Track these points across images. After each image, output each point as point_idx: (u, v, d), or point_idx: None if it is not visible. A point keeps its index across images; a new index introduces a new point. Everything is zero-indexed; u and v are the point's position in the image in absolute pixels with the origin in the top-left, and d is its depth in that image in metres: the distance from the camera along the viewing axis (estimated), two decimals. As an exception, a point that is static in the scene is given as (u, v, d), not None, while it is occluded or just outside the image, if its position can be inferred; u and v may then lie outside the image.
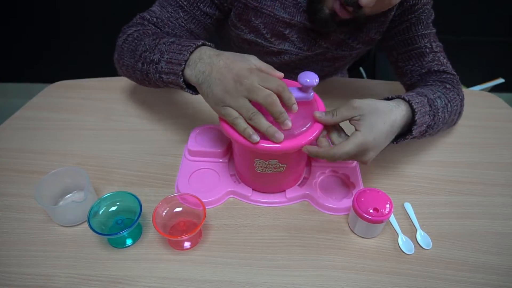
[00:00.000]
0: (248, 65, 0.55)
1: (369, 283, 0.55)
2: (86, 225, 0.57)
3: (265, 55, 0.84)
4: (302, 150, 0.56)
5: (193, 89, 0.61)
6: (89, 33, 1.81)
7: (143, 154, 0.75)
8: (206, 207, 0.59)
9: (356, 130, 0.56)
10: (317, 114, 0.57)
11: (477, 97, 0.96)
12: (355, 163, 0.70)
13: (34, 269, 0.56)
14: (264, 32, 0.78)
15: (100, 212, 0.60)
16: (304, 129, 0.56)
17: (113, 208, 0.61)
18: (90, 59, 1.82)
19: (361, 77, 1.37)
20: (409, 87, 0.82)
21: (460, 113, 0.76)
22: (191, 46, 0.59)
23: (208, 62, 0.56)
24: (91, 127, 0.82)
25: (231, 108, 0.55)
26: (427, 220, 0.64)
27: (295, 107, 0.55)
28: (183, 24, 0.75)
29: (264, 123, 0.53)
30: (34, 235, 0.61)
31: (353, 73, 1.29)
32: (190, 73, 0.58)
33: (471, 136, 0.83)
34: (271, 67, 0.58)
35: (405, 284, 0.55)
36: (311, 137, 0.56)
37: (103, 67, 1.18)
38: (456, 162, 0.76)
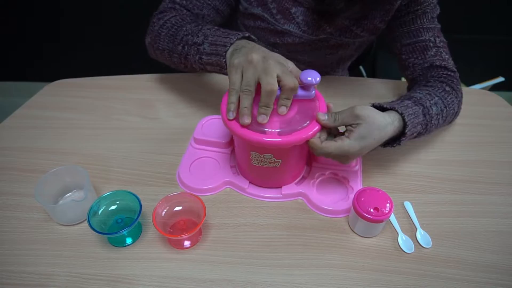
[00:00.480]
0: (282, 60, 0.57)
1: (368, 282, 0.55)
2: (86, 224, 0.57)
3: (269, 34, 0.86)
4: (298, 148, 0.57)
5: None
6: (90, 32, 1.81)
7: (143, 153, 0.75)
8: (203, 194, 0.59)
9: (346, 136, 0.57)
10: (320, 116, 0.58)
11: (477, 96, 0.96)
12: (357, 166, 0.70)
13: (34, 268, 0.56)
14: (271, 7, 0.81)
15: (100, 211, 0.60)
16: (305, 125, 0.57)
17: (113, 207, 0.61)
18: (91, 58, 1.82)
19: (361, 76, 1.37)
20: (411, 81, 0.84)
21: (457, 113, 0.77)
22: (239, 34, 0.63)
23: (251, 44, 0.60)
24: (91, 126, 0.81)
25: (240, 77, 0.55)
26: (427, 219, 0.64)
27: (283, 109, 0.56)
28: (209, 2, 0.79)
29: (245, 103, 0.55)
30: (34, 234, 0.61)
31: (354, 72, 1.29)
32: (230, 51, 0.61)
33: (471, 134, 0.83)
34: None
35: (404, 283, 0.56)
36: (309, 134, 0.56)
37: (103, 66, 1.19)
38: (456, 161, 0.76)
